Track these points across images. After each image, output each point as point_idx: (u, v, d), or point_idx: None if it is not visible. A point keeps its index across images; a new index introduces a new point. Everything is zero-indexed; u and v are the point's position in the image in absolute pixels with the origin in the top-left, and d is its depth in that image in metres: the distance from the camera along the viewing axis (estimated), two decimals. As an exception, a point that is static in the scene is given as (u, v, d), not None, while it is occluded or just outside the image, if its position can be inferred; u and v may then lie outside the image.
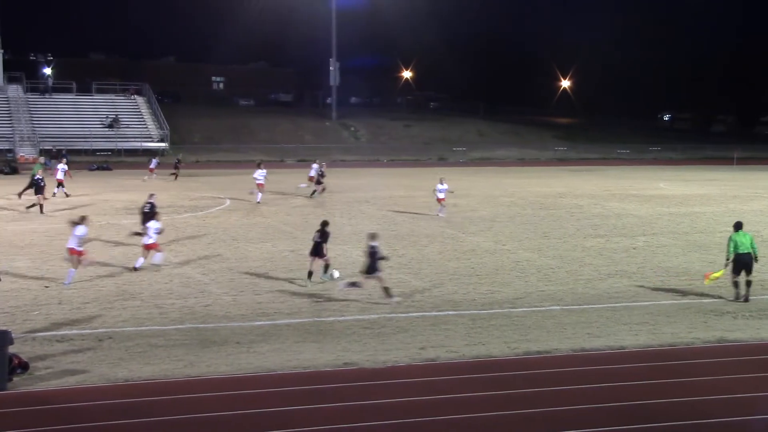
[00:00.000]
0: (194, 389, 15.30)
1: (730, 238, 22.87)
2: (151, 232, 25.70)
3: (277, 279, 24.68)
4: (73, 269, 23.77)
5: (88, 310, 20.71)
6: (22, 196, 41.88)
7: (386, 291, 21.80)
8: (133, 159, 74.90)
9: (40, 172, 40.30)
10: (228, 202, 43.88)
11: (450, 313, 20.96)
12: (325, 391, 15.22)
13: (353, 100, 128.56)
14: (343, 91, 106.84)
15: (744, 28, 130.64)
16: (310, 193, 47.13)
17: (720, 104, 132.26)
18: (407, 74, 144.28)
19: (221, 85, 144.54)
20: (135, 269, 25.45)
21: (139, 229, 29.44)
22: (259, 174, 44.06)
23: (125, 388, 15.32)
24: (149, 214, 29.05)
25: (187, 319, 20.03)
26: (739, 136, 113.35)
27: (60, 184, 45.81)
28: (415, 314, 20.77)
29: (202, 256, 27.90)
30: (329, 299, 22.15)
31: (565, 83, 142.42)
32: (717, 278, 22.93)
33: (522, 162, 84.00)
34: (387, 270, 26.00)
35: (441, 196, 38.90)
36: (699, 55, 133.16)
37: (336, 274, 24.70)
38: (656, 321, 20.33)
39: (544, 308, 21.58)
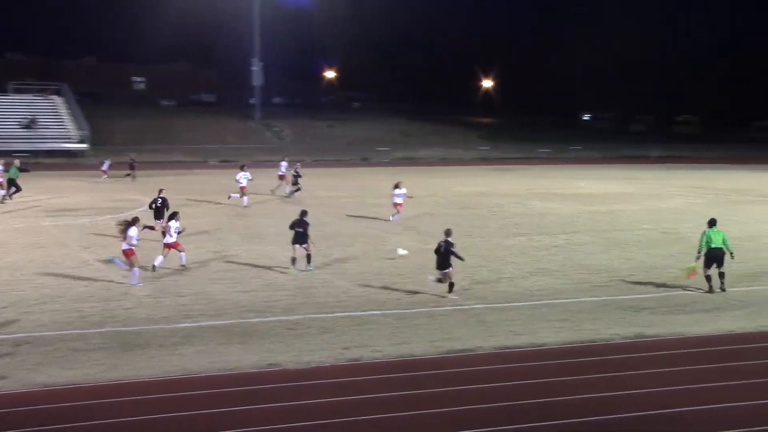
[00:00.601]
0: (116, 393, 15.10)
1: (703, 233, 23.83)
2: (172, 231, 25.72)
3: (200, 280, 24.48)
4: (136, 268, 23.80)
5: (5, 315, 20.27)
6: (11, 198, 42.95)
7: (451, 287, 22.53)
8: (52, 161, 73.43)
9: None
10: (150, 203, 43.33)
11: (374, 312, 21.01)
12: (250, 393, 15.16)
13: (276, 100, 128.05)
14: (266, 92, 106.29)
15: (672, 29, 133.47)
16: (289, 192, 46.64)
17: (644, 104, 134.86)
18: (331, 74, 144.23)
19: (143, 86, 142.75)
20: (154, 268, 25.21)
21: (152, 223, 30.23)
22: (242, 176, 42.55)
23: (44, 393, 15.05)
24: (161, 208, 31.21)
25: (108, 323, 19.76)
26: (656, 136, 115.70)
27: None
28: (339, 314, 20.78)
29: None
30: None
31: (488, 83, 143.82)
32: (694, 268, 23.78)
33: (445, 162, 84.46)
34: (312, 270, 26.02)
35: (398, 201, 37.13)
36: (623, 56, 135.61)
37: (402, 251, 27.51)
38: (577, 318, 20.66)
39: (467, 307, 21.75)
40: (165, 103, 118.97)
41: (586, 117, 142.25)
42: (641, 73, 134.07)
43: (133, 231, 23.78)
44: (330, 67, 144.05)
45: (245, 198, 41.84)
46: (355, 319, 20.33)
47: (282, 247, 29.78)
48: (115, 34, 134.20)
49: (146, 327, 19.45)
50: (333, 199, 46.45)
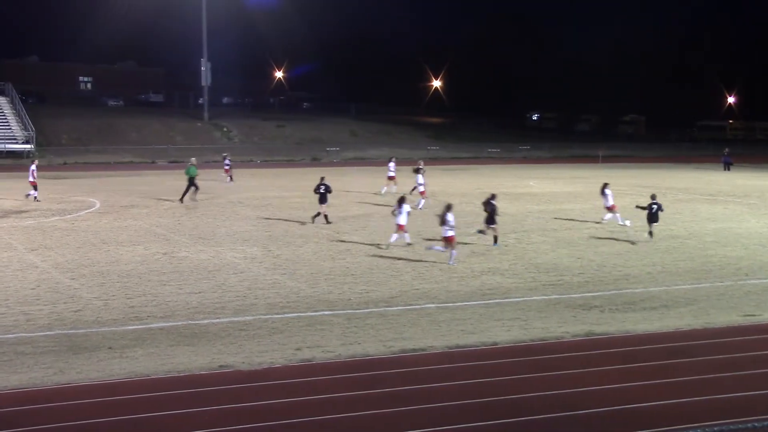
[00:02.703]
0: (65, 397, 14.91)
1: None
2: (403, 213, 29.80)
3: (148, 282, 24.25)
4: (455, 250, 27.30)
5: (-50, 319, 19.93)
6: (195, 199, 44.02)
7: (650, 234, 32.01)
8: (-3, 162, 72.38)
9: None
10: (98, 204, 42.88)
11: (325, 313, 20.98)
12: (201, 395, 15.04)
13: (225, 100, 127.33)
14: (214, 92, 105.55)
15: (618, 28, 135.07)
16: (410, 191, 46.24)
17: (584, 105, 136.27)
18: (279, 74, 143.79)
19: (89, 85, 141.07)
20: (387, 246, 29.97)
21: (320, 209, 35.84)
22: (420, 179, 43.26)
23: (-9, 398, 14.81)
24: (324, 194, 35.46)
25: (56, 326, 19.48)
26: (602, 135, 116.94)
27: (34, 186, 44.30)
28: (290, 315, 20.71)
29: (72, 261, 27.19)
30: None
31: (437, 83, 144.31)
32: None
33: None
34: (263, 271, 25.94)
35: (611, 203, 36.21)
36: (569, 56, 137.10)
37: (628, 223, 34.48)
38: (528, 316, 20.79)
39: (418, 306, 21.80)
40: (112, 103, 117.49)
41: (534, 117, 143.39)
42: (587, 72, 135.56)
43: (450, 216, 26.98)
44: (278, 67, 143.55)
45: (422, 200, 42.33)
46: (306, 320, 20.28)
47: (230, 248, 29.70)
48: (60, 33, 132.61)
49: (95, 329, 19.22)
50: (283, 199, 46.30)
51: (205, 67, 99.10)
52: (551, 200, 47.03)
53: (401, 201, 30.25)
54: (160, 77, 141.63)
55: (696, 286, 24.65)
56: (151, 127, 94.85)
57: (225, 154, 61.15)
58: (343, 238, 32.51)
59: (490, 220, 30.95)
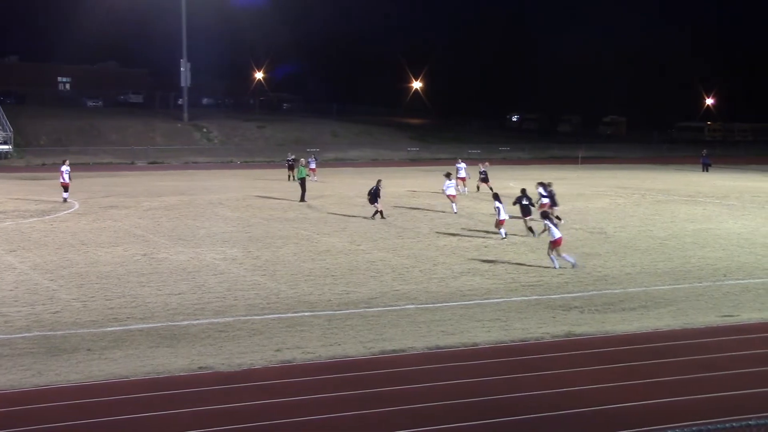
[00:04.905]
0: (43, 399, 14.82)
1: None
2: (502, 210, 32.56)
3: (127, 283, 24.15)
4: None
5: (-73, 321, 19.77)
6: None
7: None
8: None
9: None
10: (77, 205, 42.66)
11: (305, 314, 20.95)
12: (180, 396, 14.99)
13: (205, 101, 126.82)
14: (194, 92, 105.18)
15: (598, 30, 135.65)
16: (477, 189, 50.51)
17: (564, 106, 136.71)
18: (260, 75, 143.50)
19: (68, 86, 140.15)
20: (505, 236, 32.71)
21: (377, 206, 38.20)
22: (447, 185, 43.09)
23: (-31, 400, 14.70)
24: (375, 194, 38.00)
25: (34, 327, 19.36)
26: (583, 136, 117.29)
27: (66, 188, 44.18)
28: (270, 316, 20.67)
29: (50, 262, 27.04)
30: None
31: (417, 84, 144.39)
32: None
33: (376, 162, 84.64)
34: (243, 272, 25.87)
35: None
36: (543, 58, 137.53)
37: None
38: (507, 317, 20.82)
39: (398, 307, 21.80)
40: (91, 103, 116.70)
41: (514, 118, 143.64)
42: (568, 73, 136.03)
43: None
44: (259, 68, 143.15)
45: (454, 205, 41.81)
46: (286, 321, 20.25)
47: (211, 249, 29.62)
48: (39, 33, 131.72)
49: (73, 331, 19.12)
50: (263, 200, 46.23)
51: (184, 68, 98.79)
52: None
53: (495, 197, 33.44)
54: (140, 78, 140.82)
55: (675, 286, 24.76)
56: (131, 128, 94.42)
57: (313, 154, 65.15)
58: (323, 240, 32.47)
59: (526, 211, 34.03)
